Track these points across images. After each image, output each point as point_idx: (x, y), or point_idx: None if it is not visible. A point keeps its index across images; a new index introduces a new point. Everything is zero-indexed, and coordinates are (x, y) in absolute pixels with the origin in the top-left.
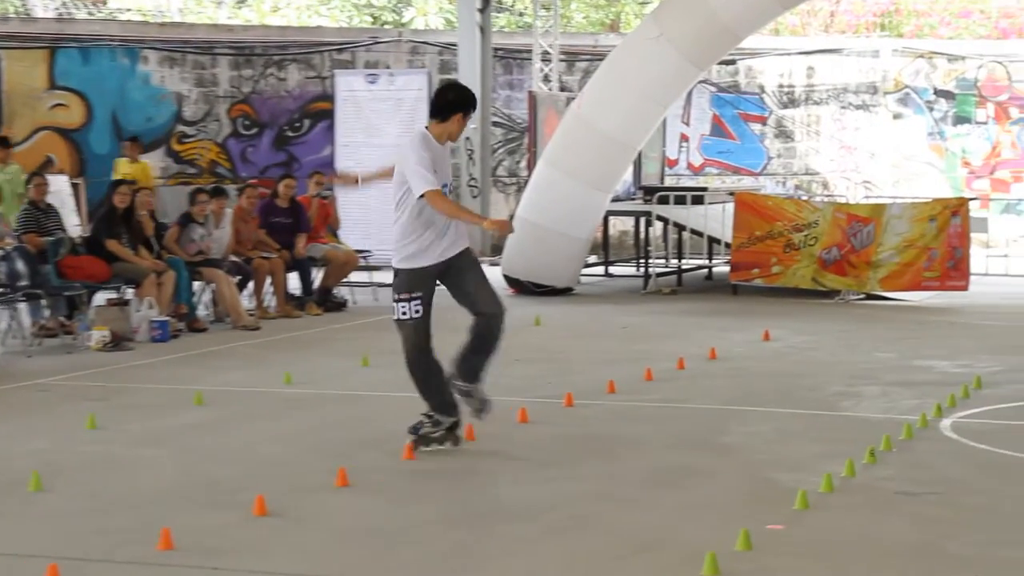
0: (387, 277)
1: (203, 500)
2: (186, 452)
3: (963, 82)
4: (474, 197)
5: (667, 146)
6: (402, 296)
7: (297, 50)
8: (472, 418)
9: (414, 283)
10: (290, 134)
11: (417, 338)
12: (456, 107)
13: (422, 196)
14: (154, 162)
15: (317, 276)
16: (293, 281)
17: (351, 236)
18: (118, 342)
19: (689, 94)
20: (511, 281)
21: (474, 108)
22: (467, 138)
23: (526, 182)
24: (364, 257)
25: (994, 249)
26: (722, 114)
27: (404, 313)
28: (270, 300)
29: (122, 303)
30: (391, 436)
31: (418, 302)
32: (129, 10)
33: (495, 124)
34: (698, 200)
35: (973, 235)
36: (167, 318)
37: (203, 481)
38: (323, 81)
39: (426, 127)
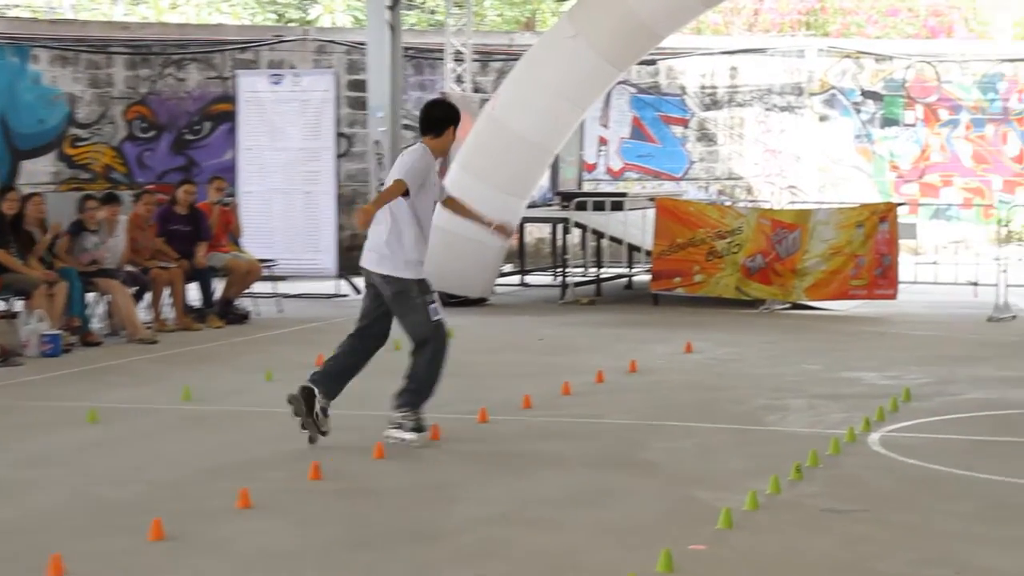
0: (291, 287)
1: (96, 524)
2: (78, 473)
3: (891, 83)
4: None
5: (585, 150)
6: (429, 298)
7: (197, 49)
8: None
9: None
10: (190, 137)
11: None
12: (449, 121)
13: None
14: (45, 167)
15: (218, 287)
16: (193, 292)
17: (254, 245)
18: (6, 357)
19: (608, 95)
20: None
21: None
22: (376, 142)
23: None
24: (267, 267)
25: (923, 256)
26: (642, 116)
27: (438, 313)
28: (168, 312)
29: (10, 316)
30: (296, 455)
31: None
32: (18, 6)
33: (406, 127)
34: (617, 206)
35: (902, 242)
36: (59, 331)
37: (96, 504)
38: (224, 82)
39: (422, 141)
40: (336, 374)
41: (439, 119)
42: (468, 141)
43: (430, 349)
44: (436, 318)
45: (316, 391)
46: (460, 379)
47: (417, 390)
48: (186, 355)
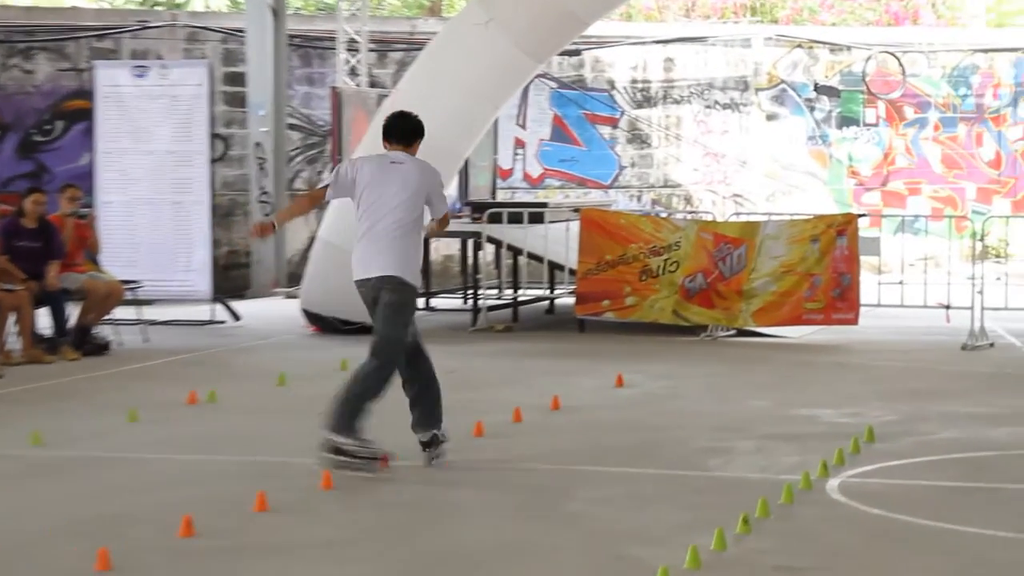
0: (159, 312)
1: None
2: None
3: (849, 76)
4: (267, 215)
5: (499, 154)
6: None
7: (47, 36)
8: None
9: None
10: (39, 139)
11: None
12: (420, 133)
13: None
14: None
15: (73, 312)
16: (43, 319)
17: (114, 264)
18: None
19: (525, 91)
20: (312, 317)
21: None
22: (257, 144)
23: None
24: (131, 289)
25: (888, 275)
26: (565, 115)
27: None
28: (14, 342)
29: None
30: (164, 508)
31: None
32: None
33: (292, 127)
34: (537, 218)
35: (863, 258)
36: None
37: None
38: (80, 74)
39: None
40: (425, 408)
41: (414, 129)
42: (364, 144)
43: (383, 367)
44: (408, 341)
45: (431, 439)
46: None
47: (345, 402)
48: (36, 392)
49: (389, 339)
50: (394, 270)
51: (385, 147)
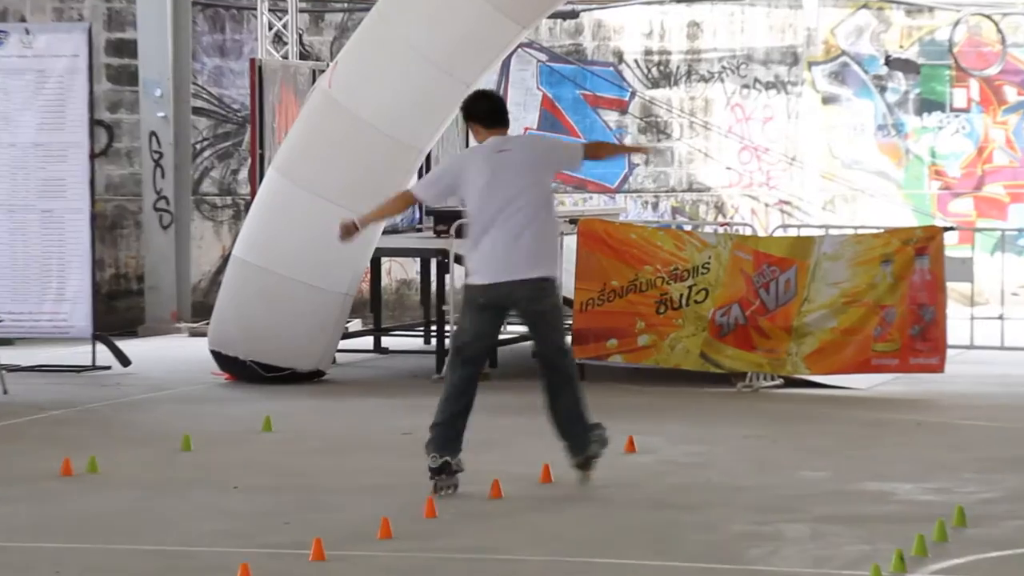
0: (22, 355)
1: None
2: None
3: (931, 46)
4: (165, 227)
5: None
6: None
7: None
8: None
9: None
10: None
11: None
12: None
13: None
14: None
15: None
16: None
17: None
18: None
19: (506, 65)
20: (224, 361)
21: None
22: (152, 134)
23: (248, 204)
24: None
25: (983, 307)
26: (558, 96)
27: None
28: None
29: None
30: None
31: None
32: None
33: (197, 111)
34: None
35: (951, 286)
36: None
37: None
38: None
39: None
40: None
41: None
42: (293, 134)
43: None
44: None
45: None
46: (285, 494)
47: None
48: None
49: (567, 347)
50: (547, 270)
51: (477, 135)
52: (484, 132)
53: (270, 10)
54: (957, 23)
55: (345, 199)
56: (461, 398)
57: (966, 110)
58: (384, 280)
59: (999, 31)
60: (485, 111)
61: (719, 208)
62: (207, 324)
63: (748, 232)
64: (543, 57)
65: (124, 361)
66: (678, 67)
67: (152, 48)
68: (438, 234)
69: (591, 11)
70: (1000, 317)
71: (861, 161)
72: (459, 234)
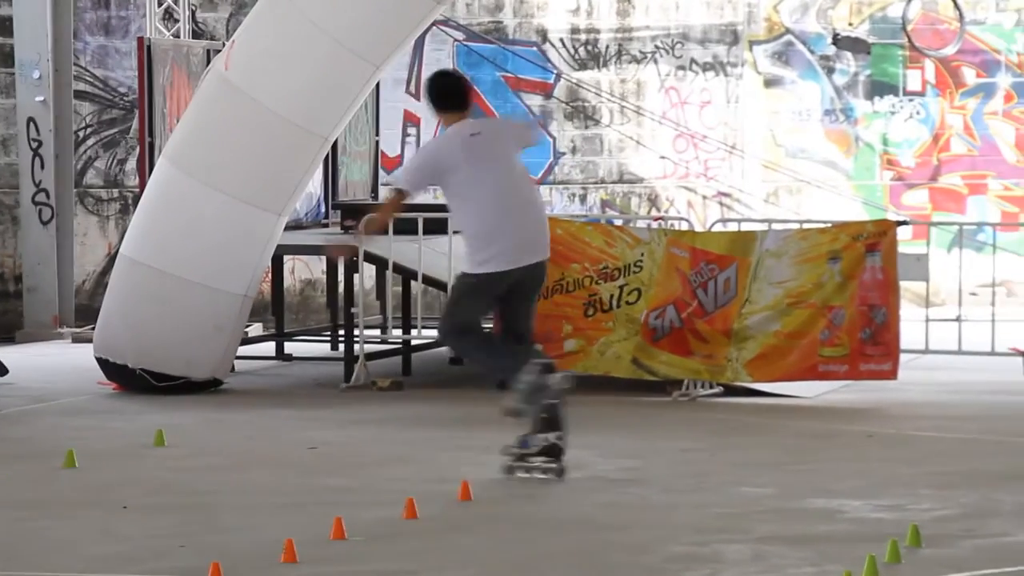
0: None
1: None
2: None
3: (883, 24)
4: (45, 222)
5: (382, 135)
6: None
7: None
8: None
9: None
10: None
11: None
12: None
13: None
14: None
15: None
16: None
17: None
18: None
19: (420, 44)
20: (111, 369)
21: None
22: (30, 120)
23: (137, 197)
24: None
25: (939, 308)
26: (477, 79)
27: None
28: None
29: None
30: None
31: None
32: None
33: (80, 95)
34: (437, 227)
35: (904, 285)
36: None
37: None
38: None
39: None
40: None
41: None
42: (186, 120)
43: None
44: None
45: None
46: (182, 514)
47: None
48: None
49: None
50: (547, 251)
51: (443, 120)
52: (442, 116)
53: None
54: None
55: (243, 191)
56: (496, 344)
57: (921, 94)
58: (287, 280)
59: (956, 7)
60: (435, 94)
61: (652, 201)
62: (92, 329)
63: (684, 227)
64: (460, 36)
65: (1, 370)
66: (607, 47)
67: (29, 25)
68: (346, 229)
69: None
70: (958, 319)
71: (807, 149)
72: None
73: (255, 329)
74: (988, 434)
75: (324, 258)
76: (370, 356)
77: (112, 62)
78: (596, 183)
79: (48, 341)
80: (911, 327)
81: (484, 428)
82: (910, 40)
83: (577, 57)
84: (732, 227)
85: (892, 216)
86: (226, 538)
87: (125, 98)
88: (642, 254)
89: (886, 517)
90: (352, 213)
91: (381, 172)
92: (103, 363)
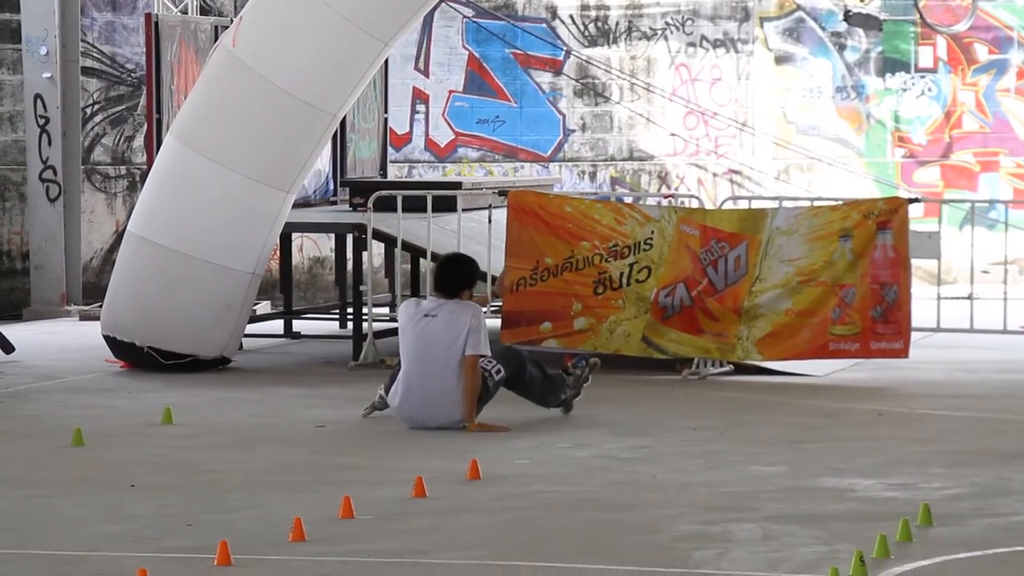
0: None
1: None
2: None
3: (895, 1)
4: (52, 199)
5: (391, 112)
6: None
7: None
8: None
9: None
10: None
11: None
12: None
13: None
14: None
15: None
16: None
17: None
18: None
19: (428, 21)
20: (119, 347)
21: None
22: (37, 96)
23: (144, 174)
24: None
25: (951, 286)
26: (485, 56)
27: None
28: None
29: None
30: None
31: None
32: None
33: (87, 72)
34: (446, 205)
35: (915, 263)
36: None
37: None
38: None
39: None
40: None
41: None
42: (193, 97)
43: None
44: None
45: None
46: (190, 492)
47: None
48: None
49: None
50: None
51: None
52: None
53: None
54: None
55: (252, 169)
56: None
57: (933, 70)
58: (295, 258)
59: None
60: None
61: (663, 178)
62: (99, 307)
63: (695, 204)
64: (469, 12)
65: (8, 348)
66: (617, 23)
67: (36, 2)
68: (354, 207)
69: None
70: (969, 297)
71: (818, 127)
72: (379, 207)
73: (263, 307)
74: (999, 413)
75: (333, 235)
76: (378, 334)
77: (119, 38)
78: (606, 160)
79: (55, 319)
80: (922, 305)
81: (494, 407)
82: (922, 16)
83: (587, 34)
84: (743, 205)
85: (903, 194)
86: (234, 516)
87: (133, 75)
88: (652, 232)
89: (897, 496)
90: (360, 190)
91: (390, 149)
92: (111, 341)
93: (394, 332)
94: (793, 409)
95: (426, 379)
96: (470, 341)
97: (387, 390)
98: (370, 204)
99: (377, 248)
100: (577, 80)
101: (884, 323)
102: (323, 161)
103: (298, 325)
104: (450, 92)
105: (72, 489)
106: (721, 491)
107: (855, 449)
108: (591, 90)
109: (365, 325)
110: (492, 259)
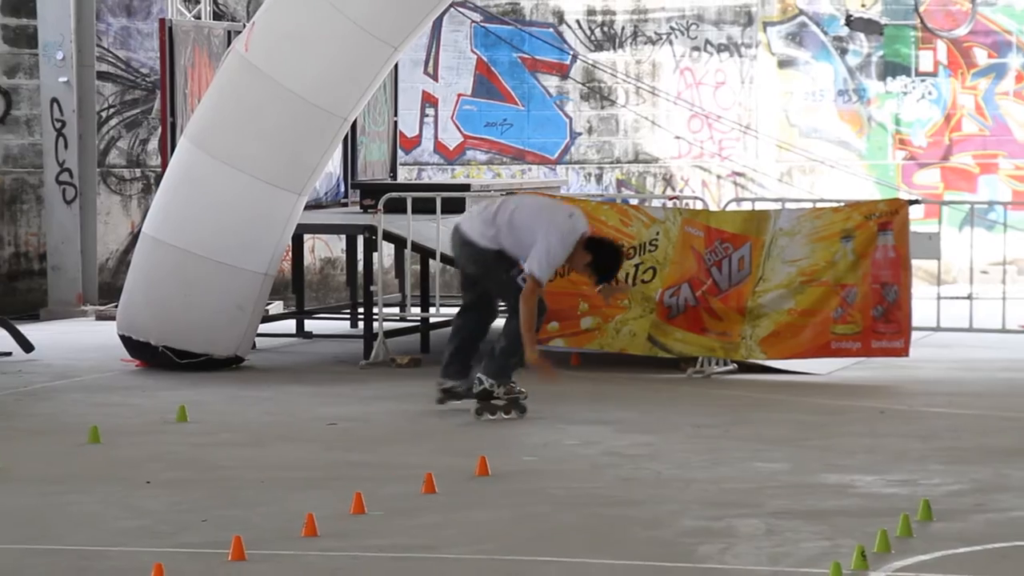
0: None
1: None
2: None
3: (896, 5)
4: (68, 201)
5: (400, 115)
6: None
7: None
8: None
9: None
10: None
11: None
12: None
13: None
14: None
15: None
16: None
17: None
18: None
19: (437, 25)
20: (134, 347)
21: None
22: (54, 100)
23: (159, 177)
24: None
25: (951, 286)
26: (493, 60)
27: None
28: None
29: None
30: None
31: None
32: None
33: (103, 76)
34: (455, 207)
35: (916, 263)
36: None
37: None
38: None
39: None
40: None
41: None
42: (207, 101)
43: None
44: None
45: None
46: (205, 488)
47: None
48: None
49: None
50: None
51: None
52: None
53: None
54: None
55: (264, 171)
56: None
57: (933, 74)
58: (307, 259)
59: None
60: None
61: (668, 180)
62: (115, 307)
63: (699, 206)
64: (477, 17)
65: (26, 347)
66: (623, 28)
67: (52, 7)
68: (365, 209)
69: None
70: (969, 297)
71: (820, 129)
72: (389, 209)
73: (276, 307)
74: (999, 410)
75: (344, 237)
76: (389, 334)
77: (134, 43)
78: (612, 163)
79: (72, 319)
80: (923, 305)
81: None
82: (922, 21)
83: (593, 38)
84: (746, 206)
85: (904, 195)
86: (248, 512)
87: (147, 79)
88: (657, 233)
89: (898, 492)
90: (371, 192)
91: (399, 152)
92: (126, 340)
93: (404, 332)
94: (796, 407)
95: (501, 211)
96: (537, 247)
97: (444, 374)
98: (380, 206)
99: (387, 249)
100: (583, 84)
101: (885, 322)
102: (334, 164)
103: (310, 325)
104: (459, 96)
105: (89, 485)
106: (725, 487)
107: (856, 446)
108: (597, 94)
109: (376, 325)
110: None
